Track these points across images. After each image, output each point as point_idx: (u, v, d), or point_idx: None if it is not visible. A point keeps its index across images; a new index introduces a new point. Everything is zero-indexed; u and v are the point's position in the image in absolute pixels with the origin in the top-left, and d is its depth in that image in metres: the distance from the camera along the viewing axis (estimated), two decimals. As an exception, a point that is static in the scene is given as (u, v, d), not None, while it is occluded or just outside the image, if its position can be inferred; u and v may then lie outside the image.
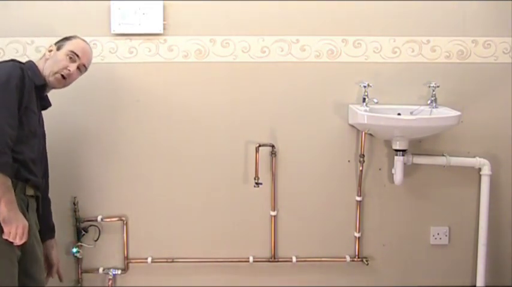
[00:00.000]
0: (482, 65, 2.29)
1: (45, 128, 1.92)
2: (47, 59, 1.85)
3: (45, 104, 1.90)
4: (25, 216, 1.68)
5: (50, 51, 1.87)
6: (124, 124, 2.29)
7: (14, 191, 1.64)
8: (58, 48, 1.86)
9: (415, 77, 2.28)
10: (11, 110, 1.62)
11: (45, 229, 1.89)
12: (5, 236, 1.60)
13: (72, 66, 1.85)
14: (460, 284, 2.39)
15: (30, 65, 1.82)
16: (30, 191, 1.75)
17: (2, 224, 1.59)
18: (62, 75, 1.83)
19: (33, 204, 1.79)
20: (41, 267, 1.82)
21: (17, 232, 1.61)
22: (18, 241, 1.62)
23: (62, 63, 1.83)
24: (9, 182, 1.60)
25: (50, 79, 1.82)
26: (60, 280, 1.99)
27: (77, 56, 1.87)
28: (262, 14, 2.25)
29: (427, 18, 2.26)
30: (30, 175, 1.72)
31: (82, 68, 1.90)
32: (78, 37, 1.92)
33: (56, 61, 1.83)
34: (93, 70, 2.23)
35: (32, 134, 1.74)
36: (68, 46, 1.86)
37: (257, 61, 2.27)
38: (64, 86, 1.88)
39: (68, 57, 1.85)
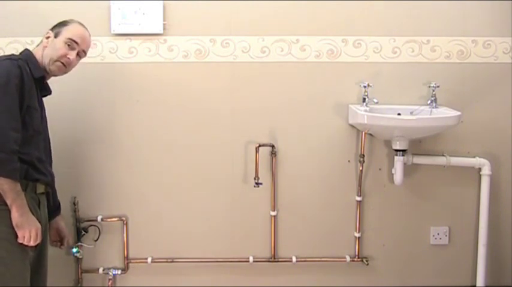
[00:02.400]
0: (482, 65, 2.29)
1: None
2: (45, 47, 1.79)
3: (46, 92, 1.85)
4: (37, 214, 1.71)
5: (48, 38, 1.80)
6: (124, 124, 2.29)
7: (25, 191, 1.66)
8: (56, 35, 1.80)
9: (415, 77, 2.28)
10: (14, 113, 1.60)
11: (53, 207, 1.91)
12: (19, 240, 1.63)
13: (72, 54, 1.80)
14: (460, 284, 2.39)
15: (28, 55, 1.76)
16: (40, 189, 1.77)
17: (16, 229, 1.62)
18: (62, 63, 1.79)
19: (44, 200, 1.81)
20: (46, 265, 1.84)
21: (31, 235, 1.64)
22: (32, 244, 1.65)
23: (61, 51, 1.78)
24: (18, 187, 1.61)
25: (51, 67, 1.78)
26: (69, 245, 2.02)
27: (76, 43, 1.81)
28: (262, 14, 2.25)
29: (427, 18, 2.26)
30: (38, 174, 1.73)
31: (82, 54, 1.86)
32: (75, 21, 1.85)
33: (54, 49, 1.78)
34: (93, 70, 2.24)
35: (36, 133, 1.72)
36: (66, 33, 1.80)
37: (257, 61, 2.27)
38: (64, 73, 1.84)
39: (66, 45, 1.79)
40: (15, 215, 1.60)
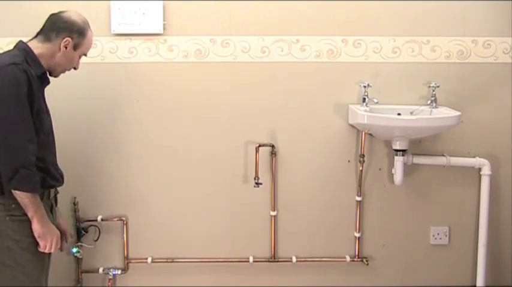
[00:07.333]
0: (482, 65, 2.29)
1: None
2: (59, 52, 1.70)
3: (46, 84, 1.76)
4: (50, 218, 1.72)
5: (66, 46, 1.71)
6: (124, 124, 2.29)
7: (42, 199, 1.67)
8: (75, 47, 1.74)
9: (415, 77, 2.28)
10: (28, 123, 1.58)
11: None
12: (41, 250, 1.66)
13: (79, 63, 1.82)
14: (460, 284, 2.39)
15: (26, 51, 1.66)
16: (52, 193, 1.79)
17: (38, 240, 1.65)
18: (68, 70, 1.81)
19: (54, 202, 1.82)
20: (49, 263, 1.85)
21: (52, 244, 1.68)
22: (53, 251, 1.70)
23: (74, 63, 1.79)
24: (38, 198, 1.63)
25: (58, 73, 1.77)
26: (66, 241, 1.94)
27: (86, 55, 1.84)
28: (262, 14, 2.25)
29: (427, 18, 2.26)
30: (53, 181, 1.74)
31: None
32: (89, 28, 1.79)
33: (70, 60, 1.76)
34: (93, 70, 2.24)
35: (46, 135, 1.71)
36: (84, 48, 1.78)
37: (257, 61, 2.27)
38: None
39: (80, 58, 1.80)
40: (36, 226, 1.63)
